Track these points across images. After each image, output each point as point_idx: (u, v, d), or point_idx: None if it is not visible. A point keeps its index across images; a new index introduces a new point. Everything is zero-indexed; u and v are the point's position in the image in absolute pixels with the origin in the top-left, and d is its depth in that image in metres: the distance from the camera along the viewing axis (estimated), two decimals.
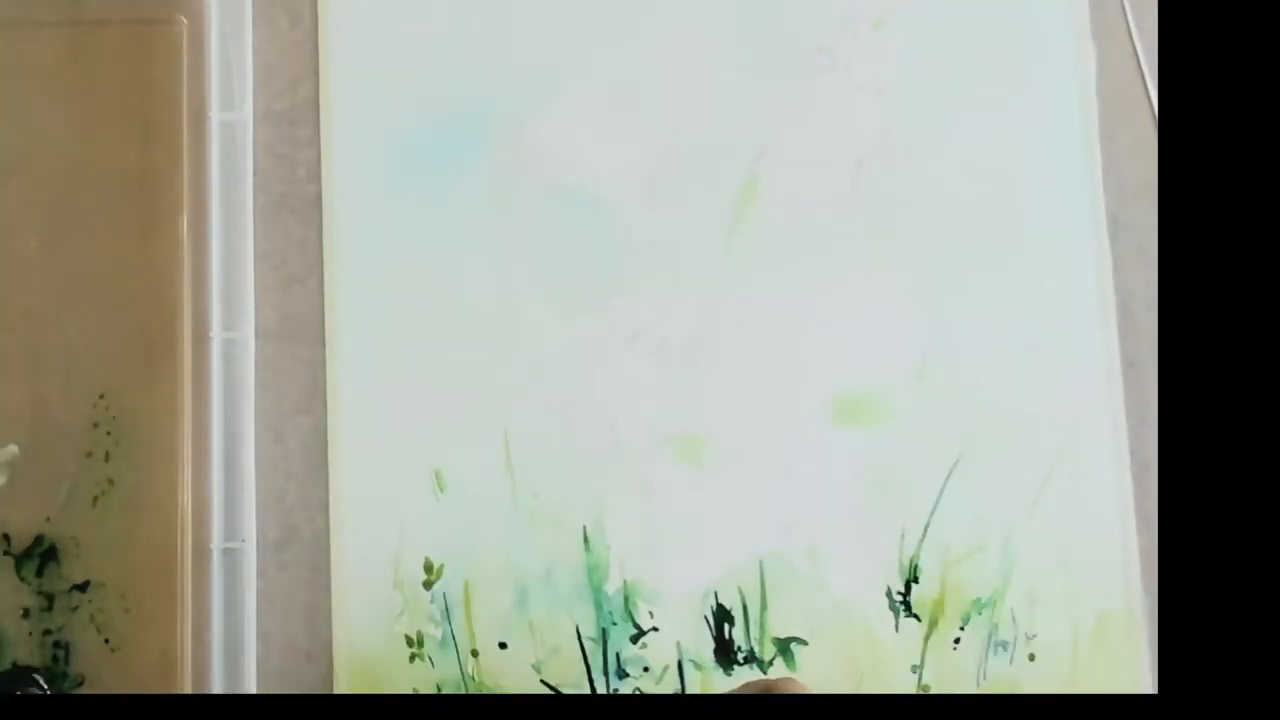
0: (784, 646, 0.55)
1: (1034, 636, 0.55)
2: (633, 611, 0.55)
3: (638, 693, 0.55)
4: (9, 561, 0.54)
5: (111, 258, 0.55)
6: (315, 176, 0.57)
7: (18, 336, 0.55)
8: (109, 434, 0.54)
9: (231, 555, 0.54)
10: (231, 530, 0.54)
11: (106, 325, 0.55)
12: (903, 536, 0.56)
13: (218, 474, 0.54)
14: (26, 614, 0.54)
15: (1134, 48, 0.61)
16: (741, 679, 0.54)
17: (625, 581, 0.56)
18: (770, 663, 0.55)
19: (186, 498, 0.54)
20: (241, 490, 0.54)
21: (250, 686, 0.53)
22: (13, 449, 0.54)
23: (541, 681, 0.54)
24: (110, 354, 0.55)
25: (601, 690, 0.55)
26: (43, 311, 0.55)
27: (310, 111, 0.58)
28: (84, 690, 0.53)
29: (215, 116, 0.56)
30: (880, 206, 0.58)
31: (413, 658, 0.54)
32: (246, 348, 0.55)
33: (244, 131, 0.56)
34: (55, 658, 0.53)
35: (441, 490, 0.56)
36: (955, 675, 0.55)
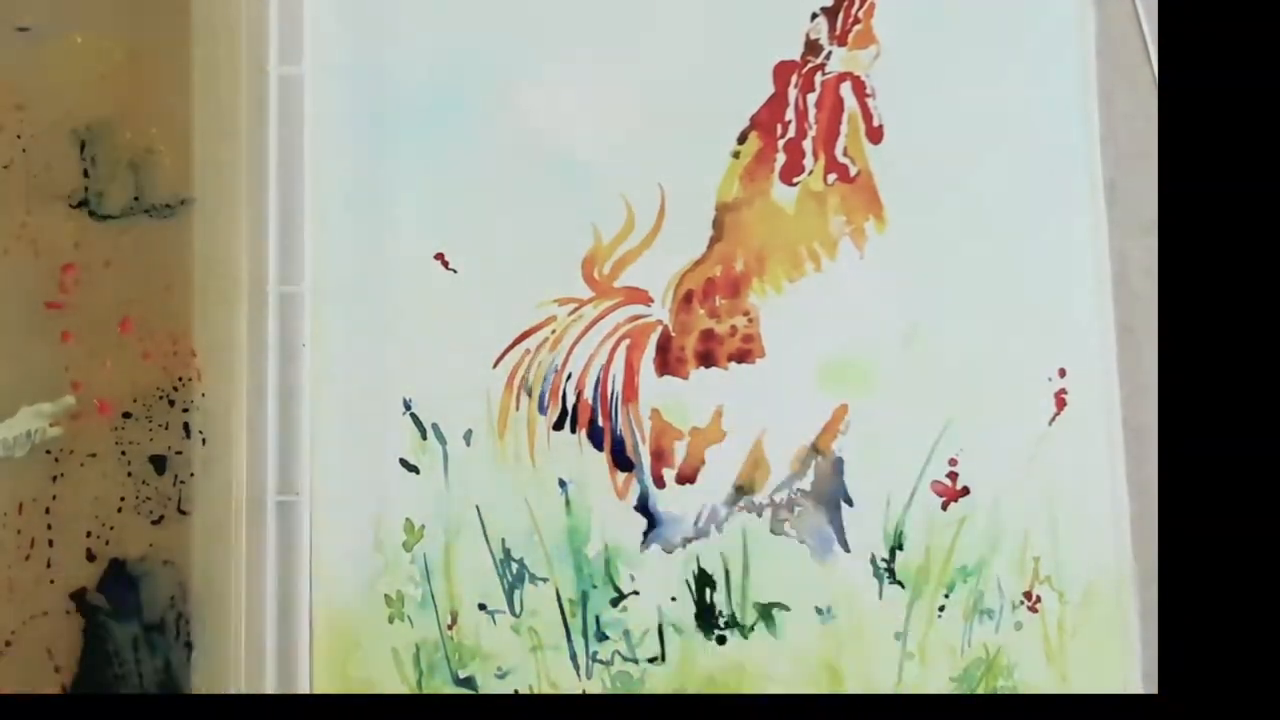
0: (766, 612, 0.55)
1: (1020, 605, 0.55)
2: (613, 575, 0.55)
3: (617, 656, 0.55)
4: None
5: (167, 210, 0.56)
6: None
7: (74, 295, 0.56)
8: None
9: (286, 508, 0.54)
10: (286, 484, 0.54)
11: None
12: (888, 503, 0.55)
13: (273, 427, 0.54)
14: None
15: (1135, 8, 0.59)
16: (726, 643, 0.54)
17: (606, 545, 0.55)
18: (751, 628, 0.55)
19: (243, 449, 0.54)
20: (297, 444, 0.54)
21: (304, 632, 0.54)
22: (69, 400, 0.55)
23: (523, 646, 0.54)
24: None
25: (580, 653, 0.55)
26: (97, 269, 0.56)
27: None
28: None
29: (274, 70, 0.55)
30: (873, 169, 0.57)
31: (392, 618, 0.54)
32: (302, 302, 0.55)
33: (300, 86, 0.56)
34: None
35: (423, 452, 0.55)
36: (939, 643, 0.55)
